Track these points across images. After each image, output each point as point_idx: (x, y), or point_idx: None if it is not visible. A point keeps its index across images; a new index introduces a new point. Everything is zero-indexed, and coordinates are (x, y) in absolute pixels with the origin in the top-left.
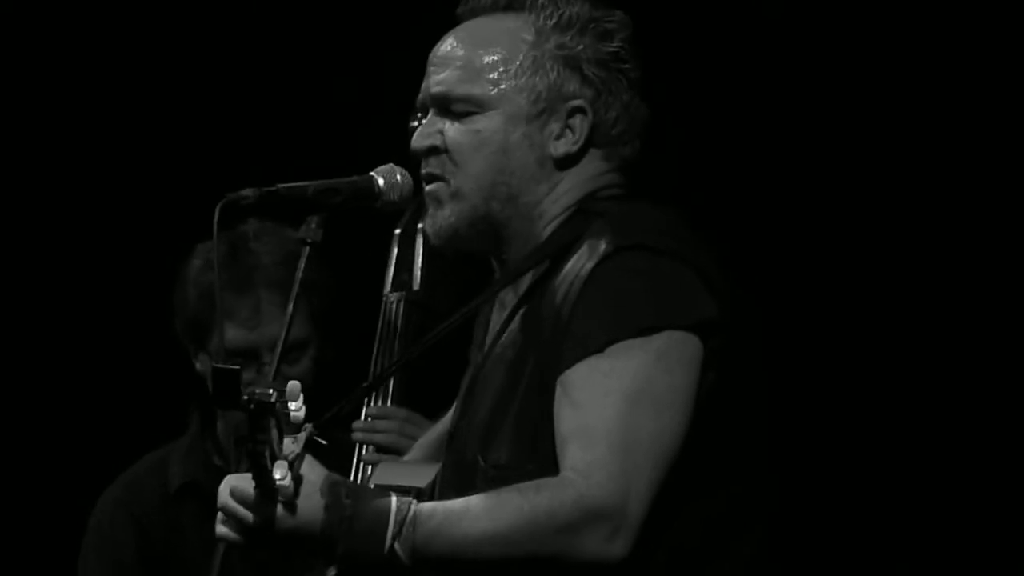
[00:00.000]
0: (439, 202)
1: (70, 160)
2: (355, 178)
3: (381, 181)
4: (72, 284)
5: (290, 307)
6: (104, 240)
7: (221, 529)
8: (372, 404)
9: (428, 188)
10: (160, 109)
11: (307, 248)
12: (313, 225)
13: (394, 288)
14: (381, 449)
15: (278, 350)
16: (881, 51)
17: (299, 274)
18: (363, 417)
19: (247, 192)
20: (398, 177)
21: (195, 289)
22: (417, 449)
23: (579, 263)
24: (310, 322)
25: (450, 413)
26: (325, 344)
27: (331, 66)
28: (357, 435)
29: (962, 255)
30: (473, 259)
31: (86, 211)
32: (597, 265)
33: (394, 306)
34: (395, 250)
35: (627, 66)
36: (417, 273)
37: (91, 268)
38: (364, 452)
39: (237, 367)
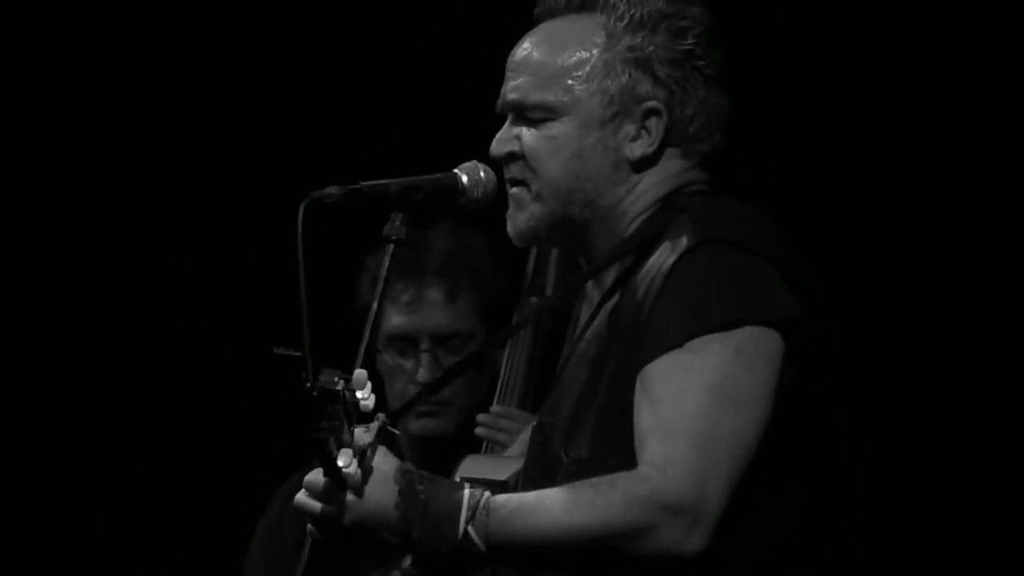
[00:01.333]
0: (521, 205)
1: (79, 160)
2: (438, 175)
3: (464, 178)
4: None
5: (374, 304)
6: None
7: (308, 526)
8: (500, 402)
9: (512, 192)
10: (172, 104)
11: (391, 246)
12: (397, 223)
13: (531, 292)
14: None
15: (365, 336)
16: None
17: (383, 271)
18: (489, 412)
19: (331, 190)
20: (481, 174)
21: (367, 276)
22: (518, 445)
23: (661, 258)
24: (476, 315)
25: None
26: (490, 336)
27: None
28: (480, 430)
29: None
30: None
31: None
32: (678, 260)
33: (528, 310)
34: (533, 253)
35: (702, 62)
36: (550, 280)
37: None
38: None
39: (298, 353)
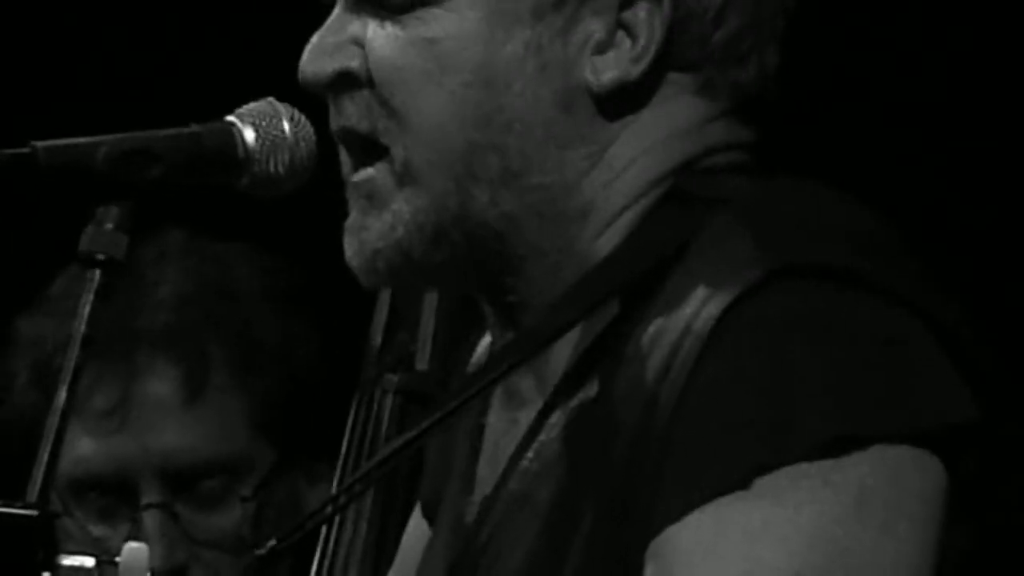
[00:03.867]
0: (371, 203)
1: None
2: (195, 127)
3: (250, 133)
4: None
5: (59, 400)
6: None
7: None
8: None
9: (356, 178)
10: None
11: (97, 273)
12: (108, 226)
13: (382, 367)
14: None
15: (37, 474)
16: None
17: (79, 330)
18: None
19: None
20: (284, 125)
21: (28, 360)
22: None
23: (689, 306)
24: (250, 428)
25: None
26: (284, 464)
27: None
28: None
29: None
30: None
31: None
32: (731, 307)
33: (381, 398)
34: (384, 301)
35: None
36: (426, 344)
37: None
38: None
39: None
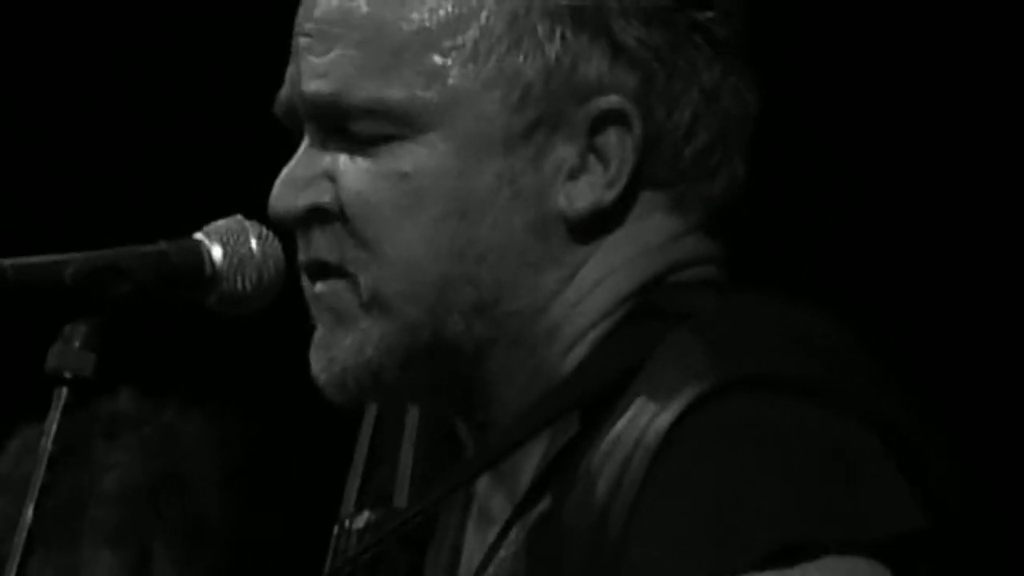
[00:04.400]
0: (338, 320)
1: None
2: (163, 245)
3: (216, 251)
4: None
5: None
6: None
7: None
8: None
9: (317, 290)
10: None
11: (63, 393)
12: (76, 343)
13: (360, 506)
14: None
15: None
16: None
17: (46, 446)
18: None
19: None
20: (252, 244)
21: None
22: None
23: (640, 420)
24: None
25: None
26: None
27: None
28: None
29: None
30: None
31: None
32: (678, 422)
33: (359, 535)
34: (365, 439)
35: (709, 15)
36: (404, 481)
37: None
38: None
39: None
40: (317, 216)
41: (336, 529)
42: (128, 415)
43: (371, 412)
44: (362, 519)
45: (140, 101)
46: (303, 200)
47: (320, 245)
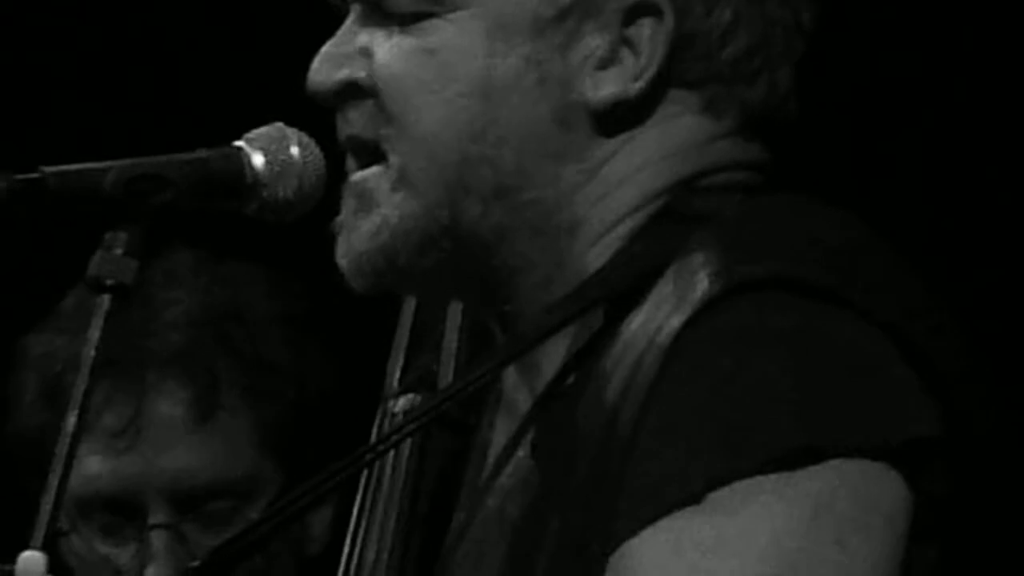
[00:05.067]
0: (368, 201)
1: None
2: (204, 153)
3: (258, 157)
4: None
5: (69, 425)
6: None
7: None
8: None
9: (353, 177)
10: None
11: (104, 299)
12: (117, 251)
13: (403, 388)
14: None
15: (50, 493)
16: None
17: (90, 352)
18: None
19: None
20: (293, 150)
21: (37, 377)
22: None
23: (657, 316)
24: (258, 447)
25: None
26: (292, 487)
27: None
28: None
29: None
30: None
31: None
32: (691, 320)
33: (402, 416)
34: (407, 321)
35: None
36: (449, 363)
37: None
38: None
39: None
40: (352, 91)
41: (379, 410)
42: (186, 264)
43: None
44: (405, 401)
45: (185, 10)
46: (339, 75)
47: (355, 120)
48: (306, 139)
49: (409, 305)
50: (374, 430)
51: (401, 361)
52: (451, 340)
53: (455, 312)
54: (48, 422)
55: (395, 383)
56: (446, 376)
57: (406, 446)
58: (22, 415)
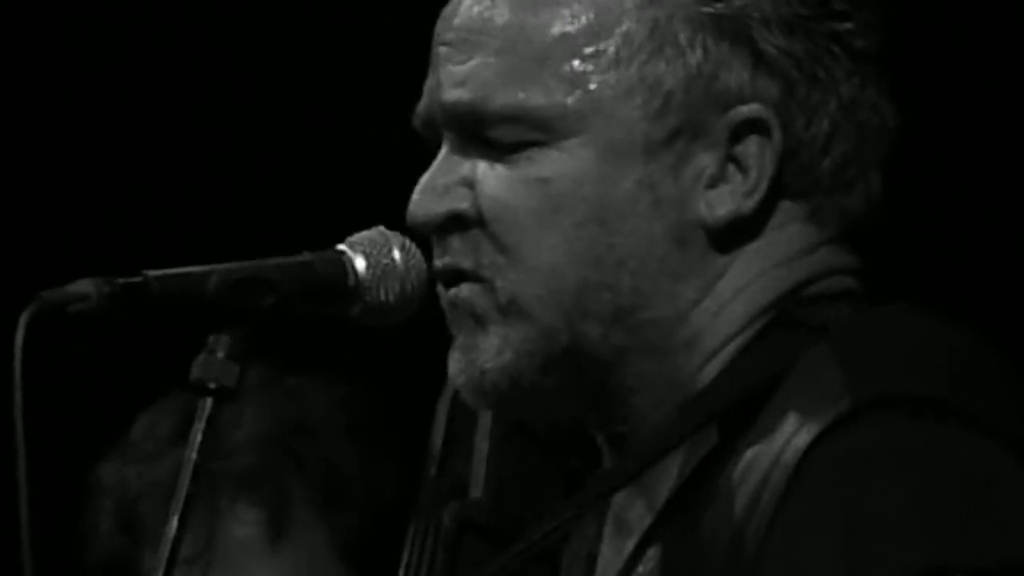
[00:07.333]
0: (478, 323)
1: None
2: (307, 256)
3: (360, 263)
4: None
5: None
6: None
7: None
8: None
9: (451, 295)
10: None
11: (208, 402)
12: (220, 355)
13: (438, 496)
14: None
15: None
16: None
17: (190, 456)
18: None
19: (82, 287)
20: (395, 255)
21: (113, 505)
22: None
23: (780, 436)
24: (334, 561)
25: None
26: None
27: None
28: None
29: None
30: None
31: None
32: (817, 440)
33: (436, 526)
34: (439, 426)
35: (848, 26)
36: (480, 471)
37: None
38: None
39: None
40: (455, 223)
41: (412, 523)
42: (253, 381)
43: (445, 401)
44: (453, 510)
45: (283, 114)
46: (442, 207)
47: (457, 251)
48: (408, 243)
49: (442, 412)
50: (408, 539)
51: (435, 470)
52: (482, 448)
53: (485, 419)
54: (126, 548)
55: (430, 490)
56: (477, 484)
57: (439, 555)
58: (100, 544)
